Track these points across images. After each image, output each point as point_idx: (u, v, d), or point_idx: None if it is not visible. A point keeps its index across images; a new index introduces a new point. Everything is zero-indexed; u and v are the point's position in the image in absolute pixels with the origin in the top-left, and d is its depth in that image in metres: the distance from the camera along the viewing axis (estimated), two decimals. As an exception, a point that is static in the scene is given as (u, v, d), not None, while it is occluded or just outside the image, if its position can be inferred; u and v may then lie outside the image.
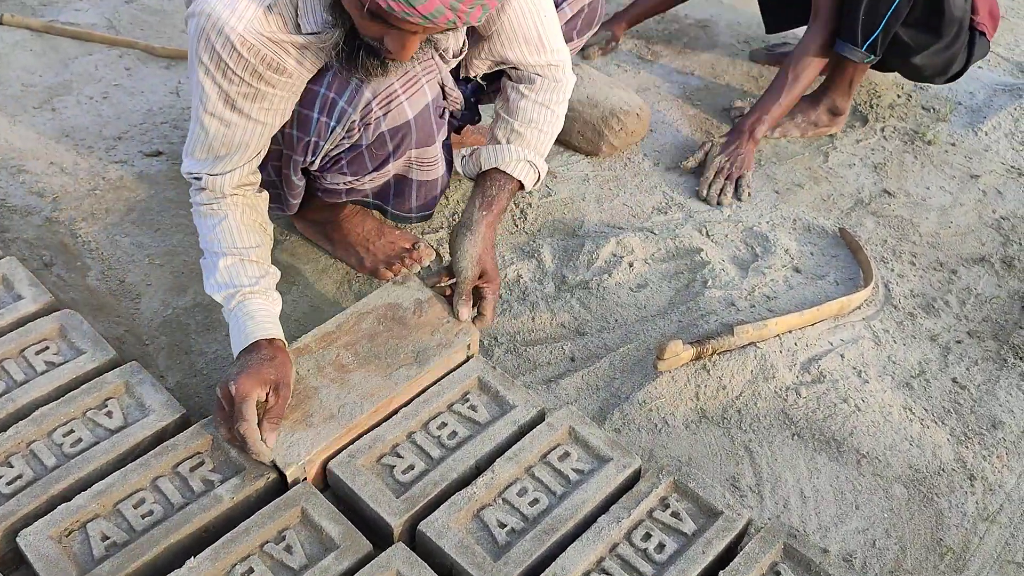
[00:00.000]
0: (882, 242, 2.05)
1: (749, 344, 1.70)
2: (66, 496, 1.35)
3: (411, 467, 1.43)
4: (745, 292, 1.84)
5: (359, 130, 1.55)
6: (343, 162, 1.62)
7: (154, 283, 1.84)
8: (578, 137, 2.25)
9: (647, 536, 1.35)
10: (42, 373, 1.53)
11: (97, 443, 1.43)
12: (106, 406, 1.49)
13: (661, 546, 1.34)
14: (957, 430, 1.64)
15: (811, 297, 1.87)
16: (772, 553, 1.33)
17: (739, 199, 2.14)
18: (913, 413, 1.65)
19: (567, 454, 1.46)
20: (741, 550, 1.35)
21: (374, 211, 1.90)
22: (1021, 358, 1.78)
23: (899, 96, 2.56)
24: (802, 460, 1.57)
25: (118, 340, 1.72)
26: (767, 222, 2.05)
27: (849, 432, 1.60)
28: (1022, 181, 2.27)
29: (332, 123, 1.53)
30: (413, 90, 1.54)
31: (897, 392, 1.69)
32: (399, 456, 1.44)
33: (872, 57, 2.19)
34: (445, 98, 1.63)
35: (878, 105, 2.51)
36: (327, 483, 1.45)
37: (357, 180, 1.66)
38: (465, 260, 1.61)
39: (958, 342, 1.82)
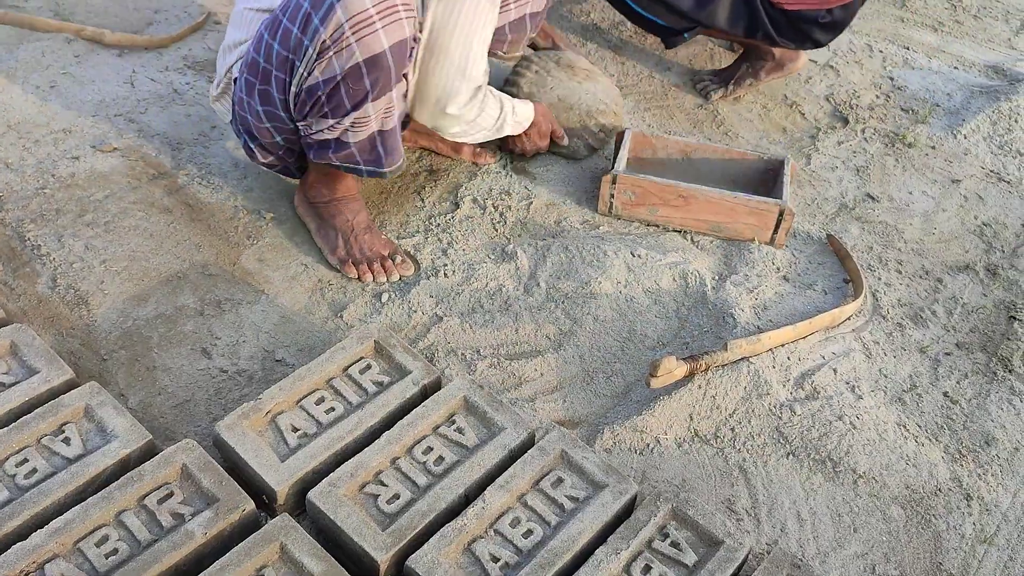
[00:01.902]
0: (868, 249, 2.02)
1: (742, 359, 1.65)
2: (21, 534, 1.23)
3: (396, 496, 1.35)
4: (734, 302, 1.79)
5: (331, 55, 1.53)
6: (321, 96, 1.59)
7: (111, 291, 1.72)
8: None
9: (647, 568, 1.29)
10: (-9, 396, 1.41)
11: (54, 474, 1.31)
12: (63, 432, 1.37)
13: (662, 579, 1.28)
14: (951, 447, 1.61)
15: (800, 307, 1.82)
16: (777, 585, 1.28)
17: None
18: (907, 430, 1.61)
19: (560, 480, 1.39)
20: (743, 581, 1.30)
21: (370, 211, 1.90)
22: (1010, 371, 1.76)
23: (878, 97, 2.53)
24: (798, 481, 1.53)
25: (72, 355, 1.60)
26: (753, 228, 2.00)
27: (845, 451, 1.55)
28: (1002, 186, 2.26)
29: (305, 42, 1.53)
30: (390, 20, 1.52)
31: (891, 408, 1.65)
32: (383, 484, 1.36)
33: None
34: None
35: (858, 106, 2.48)
36: (306, 513, 1.36)
37: (338, 124, 1.63)
38: None
39: (947, 354, 1.79)
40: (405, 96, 1.74)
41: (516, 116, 1.96)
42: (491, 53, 1.91)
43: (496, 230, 1.95)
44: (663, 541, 1.33)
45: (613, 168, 1.97)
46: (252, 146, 1.77)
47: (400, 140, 1.76)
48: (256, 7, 1.70)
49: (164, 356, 1.62)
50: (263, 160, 1.80)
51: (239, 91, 1.71)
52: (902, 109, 2.49)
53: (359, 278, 1.80)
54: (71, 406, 1.39)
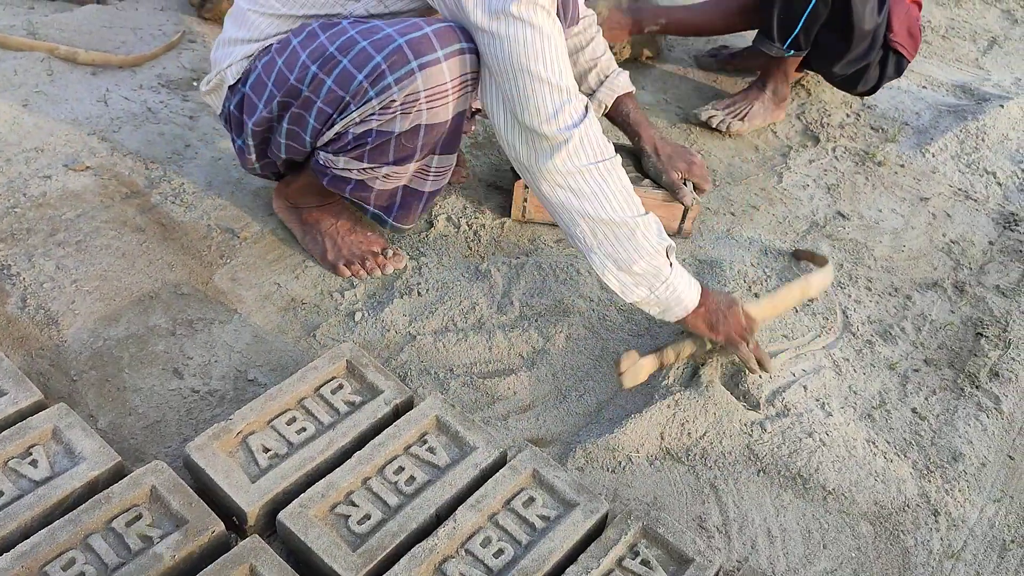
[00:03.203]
0: (838, 266, 2.04)
1: (711, 348, 1.67)
2: (-14, 559, 1.23)
3: (367, 517, 1.34)
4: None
5: (397, 114, 1.51)
6: (366, 147, 1.57)
7: (82, 311, 1.71)
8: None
9: (617, 587, 1.30)
10: (-43, 418, 1.39)
11: (21, 497, 1.30)
12: (31, 454, 1.36)
13: (632, 598, 1.29)
14: (919, 463, 1.62)
15: (770, 324, 1.84)
16: (746, 603, 1.29)
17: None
18: (876, 446, 1.63)
19: (532, 499, 1.39)
20: (713, 599, 1.30)
21: (358, 212, 1.87)
22: (977, 387, 1.78)
23: (848, 115, 2.57)
24: (768, 498, 1.54)
25: (42, 376, 1.58)
26: (724, 245, 2.02)
27: (815, 468, 1.57)
28: (969, 204, 2.30)
29: (371, 93, 1.49)
30: (461, 93, 1.53)
31: (860, 424, 1.67)
32: (354, 505, 1.36)
33: (792, 52, 2.26)
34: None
35: (828, 124, 2.51)
36: (276, 534, 1.36)
37: (372, 171, 1.62)
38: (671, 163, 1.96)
39: (915, 370, 1.81)
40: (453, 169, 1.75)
41: (670, 277, 1.55)
42: None
43: (470, 248, 1.96)
44: (633, 559, 1.33)
45: None
46: (248, 152, 1.74)
47: (422, 208, 1.75)
48: (259, 10, 1.64)
49: (135, 376, 1.61)
50: (258, 165, 1.78)
51: (260, 104, 1.63)
52: (872, 128, 2.53)
53: (353, 276, 1.82)
54: (39, 428, 1.38)
